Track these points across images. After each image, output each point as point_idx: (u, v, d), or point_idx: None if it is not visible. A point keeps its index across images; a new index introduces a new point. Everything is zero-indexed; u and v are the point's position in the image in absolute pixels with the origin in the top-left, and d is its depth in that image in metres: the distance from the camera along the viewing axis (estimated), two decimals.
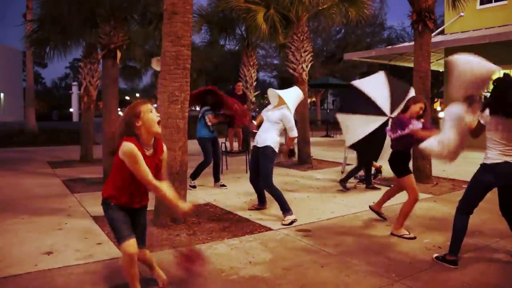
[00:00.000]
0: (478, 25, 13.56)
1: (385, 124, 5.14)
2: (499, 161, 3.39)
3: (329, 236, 4.45)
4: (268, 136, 5.08)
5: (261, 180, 5.10)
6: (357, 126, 5.25)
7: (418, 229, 4.68)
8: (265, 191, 5.43)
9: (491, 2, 13.58)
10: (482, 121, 3.48)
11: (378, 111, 5.20)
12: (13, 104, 33.05)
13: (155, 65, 5.56)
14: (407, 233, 4.40)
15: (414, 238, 4.34)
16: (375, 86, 5.39)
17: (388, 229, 4.63)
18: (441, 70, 16.48)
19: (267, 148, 5.04)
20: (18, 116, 30.82)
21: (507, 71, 12.63)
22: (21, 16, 17.34)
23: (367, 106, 5.23)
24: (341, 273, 3.46)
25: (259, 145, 5.11)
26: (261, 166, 5.08)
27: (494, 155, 3.42)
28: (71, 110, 40.26)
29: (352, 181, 7.10)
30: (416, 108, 4.39)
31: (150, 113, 2.76)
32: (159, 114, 2.83)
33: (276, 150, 5.13)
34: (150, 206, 5.17)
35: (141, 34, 9.79)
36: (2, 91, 32.44)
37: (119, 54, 7.57)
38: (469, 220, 4.07)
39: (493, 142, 3.43)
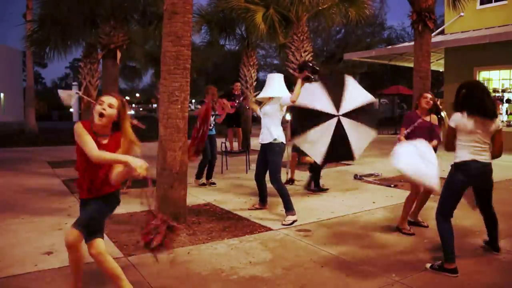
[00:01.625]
0: (478, 25, 13.55)
1: (339, 123, 5.36)
2: (468, 159, 3.49)
3: (329, 236, 4.45)
4: (272, 131, 5.09)
5: (269, 176, 5.08)
6: (317, 140, 5.35)
7: (418, 229, 4.67)
8: (265, 192, 5.44)
9: (491, 2, 13.56)
10: (452, 125, 3.54)
11: (326, 117, 5.34)
12: (13, 104, 33.03)
13: (66, 99, 5.51)
14: (408, 228, 4.52)
15: (413, 234, 4.42)
16: (310, 95, 5.45)
17: (387, 229, 4.64)
18: (441, 70, 16.48)
19: (274, 143, 5.08)
20: (18, 116, 30.81)
21: (507, 71, 12.65)
22: (21, 16, 17.34)
23: (314, 117, 5.34)
24: (341, 273, 3.46)
25: (264, 142, 5.12)
26: (270, 161, 5.09)
27: (464, 154, 3.51)
28: (71, 110, 40.24)
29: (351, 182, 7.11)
30: (422, 103, 4.66)
31: (98, 105, 2.80)
32: (106, 107, 2.78)
33: (284, 142, 5.18)
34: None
35: (141, 34, 9.80)
36: (2, 91, 32.42)
37: (119, 54, 7.58)
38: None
39: (463, 143, 3.52)
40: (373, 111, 5.48)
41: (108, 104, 2.78)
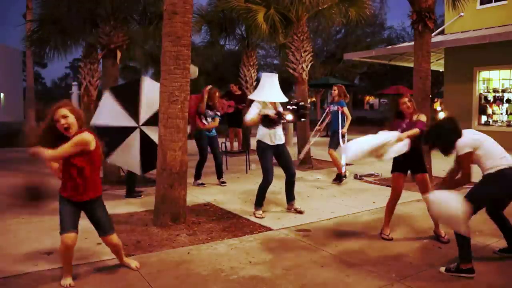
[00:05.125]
0: (478, 25, 13.55)
1: (142, 134, 5.66)
2: (503, 166, 3.37)
3: (329, 236, 4.45)
4: (282, 132, 5.35)
5: (292, 167, 5.33)
6: (128, 154, 5.66)
7: (417, 228, 4.68)
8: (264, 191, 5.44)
9: (491, 2, 13.55)
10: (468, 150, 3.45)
11: (126, 131, 5.63)
12: (13, 104, 33.02)
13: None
14: (387, 234, 4.39)
15: (391, 239, 4.33)
16: (109, 111, 5.72)
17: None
18: (441, 70, 16.48)
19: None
20: (18, 116, 30.79)
21: (506, 71, 12.65)
22: (21, 16, 17.32)
23: (116, 134, 5.59)
24: (341, 273, 3.46)
25: (280, 142, 5.26)
26: (288, 155, 5.31)
27: (495, 162, 3.39)
28: None
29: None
30: (404, 109, 4.38)
31: (58, 123, 3.11)
32: (65, 121, 3.11)
33: None
34: (150, 206, 5.20)
35: (141, 34, 9.77)
36: (2, 91, 32.39)
37: (119, 54, 7.57)
38: (469, 220, 4.03)
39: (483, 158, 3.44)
40: None
41: (63, 116, 3.09)
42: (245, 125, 6.06)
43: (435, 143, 3.62)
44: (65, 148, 3.04)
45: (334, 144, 7.39)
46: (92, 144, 3.13)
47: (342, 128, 7.29)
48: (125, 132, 5.65)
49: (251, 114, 5.17)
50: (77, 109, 3.26)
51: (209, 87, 7.13)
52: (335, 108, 7.37)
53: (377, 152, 4.14)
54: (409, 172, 4.45)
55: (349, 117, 7.39)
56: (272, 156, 5.23)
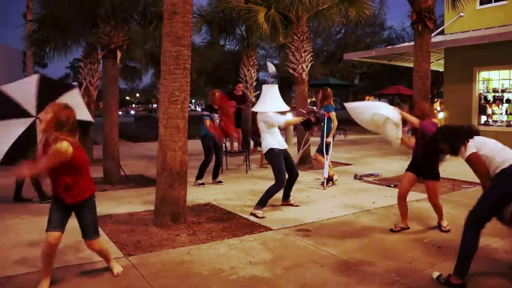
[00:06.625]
0: (478, 25, 13.54)
1: (33, 126, 5.06)
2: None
3: (329, 236, 4.45)
4: None
5: (297, 169, 5.60)
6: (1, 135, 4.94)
7: (418, 229, 4.68)
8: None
9: (491, 2, 13.54)
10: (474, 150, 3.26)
11: (21, 113, 5.05)
12: None
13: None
14: (399, 226, 4.62)
15: (398, 231, 4.54)
16: (22, 87, 5.21)
17: (387, 229, 4.63)
18: (441, 70, 16.48)
19: None
20: None
21: (507, 71, 12.66)
22: (21, 16, 17.30)
23: (9, 109, 5.02)
24: (341, 273, 3.46)
25: (286, 146, 5.45)
26: (292, 159, 5.56)
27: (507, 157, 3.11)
28: None
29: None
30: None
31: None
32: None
33: None
34: (150, 206, 5.20)
35: (141, 34, 9.78)
36: None
37: (119, 54, 7.57)
38: None
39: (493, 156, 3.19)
40: None
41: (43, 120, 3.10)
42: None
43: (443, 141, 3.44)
44: (44, 162, 3.00)
45: (319, 148, 7.25)
46: (69, 152, 2.96)
47: (326, 137, 7.01)
48: (17, 111, 5.00)
49: (283, 118, 5.42)
50: (64, 110, 3.06)
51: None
52: (322, 112, 7.20)
53: (377, 122, 4.40)
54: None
55: (335, 123, 7.05)
56: (282, 158, 5.36)
